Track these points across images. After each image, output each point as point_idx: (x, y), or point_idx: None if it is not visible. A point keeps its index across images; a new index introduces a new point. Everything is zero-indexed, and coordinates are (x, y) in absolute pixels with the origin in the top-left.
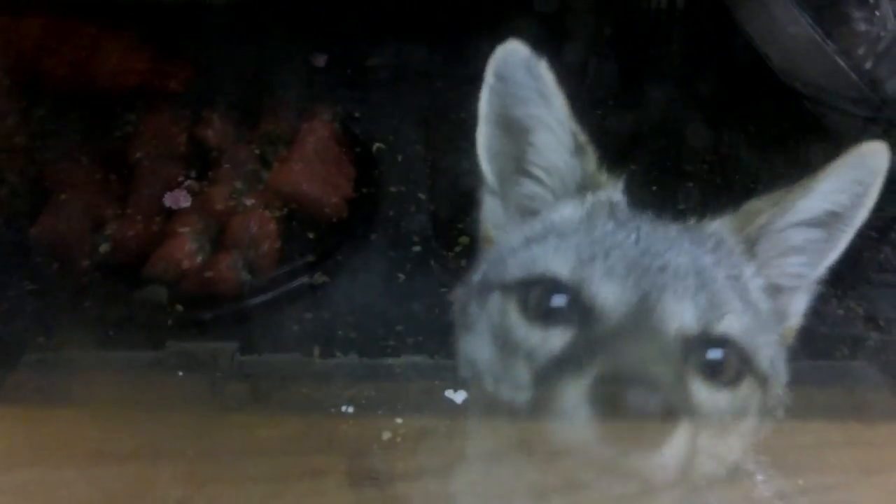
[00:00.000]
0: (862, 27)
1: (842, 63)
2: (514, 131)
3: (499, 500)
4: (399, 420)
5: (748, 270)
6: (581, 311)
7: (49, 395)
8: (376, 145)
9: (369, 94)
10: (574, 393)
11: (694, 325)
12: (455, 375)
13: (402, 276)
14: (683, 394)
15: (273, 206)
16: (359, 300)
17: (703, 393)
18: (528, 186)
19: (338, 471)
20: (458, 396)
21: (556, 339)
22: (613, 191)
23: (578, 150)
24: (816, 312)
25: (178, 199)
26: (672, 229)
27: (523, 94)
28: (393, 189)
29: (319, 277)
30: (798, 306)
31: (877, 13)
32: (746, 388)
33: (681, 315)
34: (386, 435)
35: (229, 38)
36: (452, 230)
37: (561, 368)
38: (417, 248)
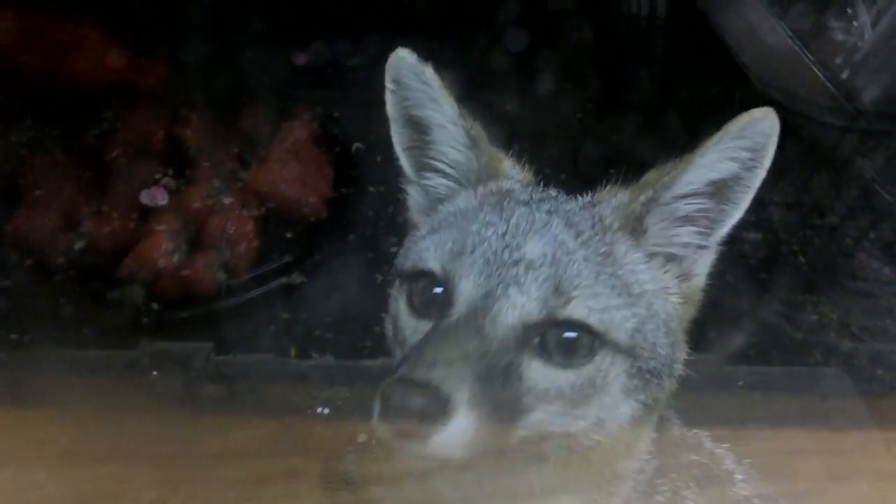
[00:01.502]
0: (839, 37)
1: (819, 73)
2: (417, 129)
3: None
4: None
5: (623, 246)
6: (446, 306)
7: (21, 394)
8: (355, 145)
9: (349, 93)
10: (379, 391)
11: (535, 314)
12: None
13: (379, 277)
14: (486, 384)
15: (251, 205)
16: (336, 301)
17: (539, 373)
18: (436, 178)
19: (312, 473)
20: None
21: (420, 333)
22: (509, 180)
23: (473, 144)
24: (790, 318)
25: (156, 197)
26: (552, 214)
27: (416, 97)
28: (372, 189)
29: (297, 278)
30: (700, 268)
31: (854, 23)
32: (601, 360)
33: (521, 308)
34: (361, 437)
35: (208, 35)
36: None
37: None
38: (395, 249)
